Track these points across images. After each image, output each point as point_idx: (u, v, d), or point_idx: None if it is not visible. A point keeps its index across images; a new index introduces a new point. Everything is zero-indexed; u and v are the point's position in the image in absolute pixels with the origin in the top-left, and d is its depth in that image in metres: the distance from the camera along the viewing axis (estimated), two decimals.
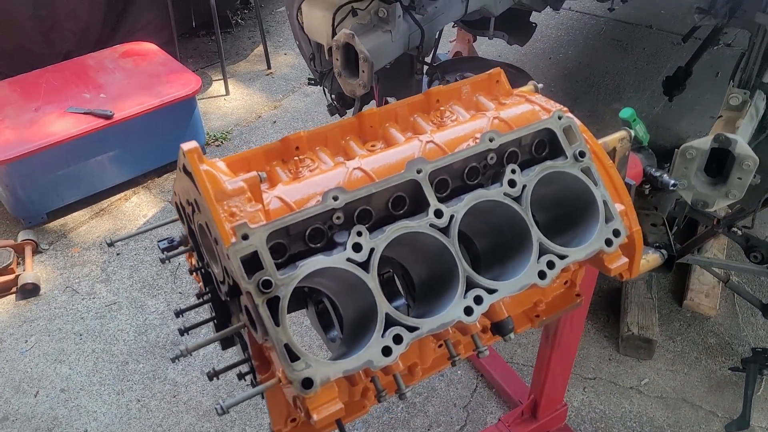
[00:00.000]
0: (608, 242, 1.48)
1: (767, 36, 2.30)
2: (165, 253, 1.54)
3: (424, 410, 2.83)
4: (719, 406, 2.82)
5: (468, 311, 1.34)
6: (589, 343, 3.07)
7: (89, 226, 3.94)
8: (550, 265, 1.42)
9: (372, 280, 1.29)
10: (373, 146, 1.58)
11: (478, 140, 1.52)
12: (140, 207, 4.06)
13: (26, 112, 3.93)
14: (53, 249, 3.80)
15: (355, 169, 1.44)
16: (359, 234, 1.30)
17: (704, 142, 2.16)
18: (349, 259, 1.28)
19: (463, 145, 1.53)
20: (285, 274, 1.23)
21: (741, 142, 2.11)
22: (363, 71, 2.85)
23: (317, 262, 1.26)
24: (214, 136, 4.60)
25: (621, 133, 1.66)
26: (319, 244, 1.33)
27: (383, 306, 1.28)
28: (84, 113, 3.88)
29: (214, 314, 1.59)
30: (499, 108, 1.66)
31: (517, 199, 1.44)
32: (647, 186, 1.97)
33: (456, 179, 1.46)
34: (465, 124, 1.60)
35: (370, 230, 1.31)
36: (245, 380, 1.49)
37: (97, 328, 3.29)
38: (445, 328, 1.33)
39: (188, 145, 1.25)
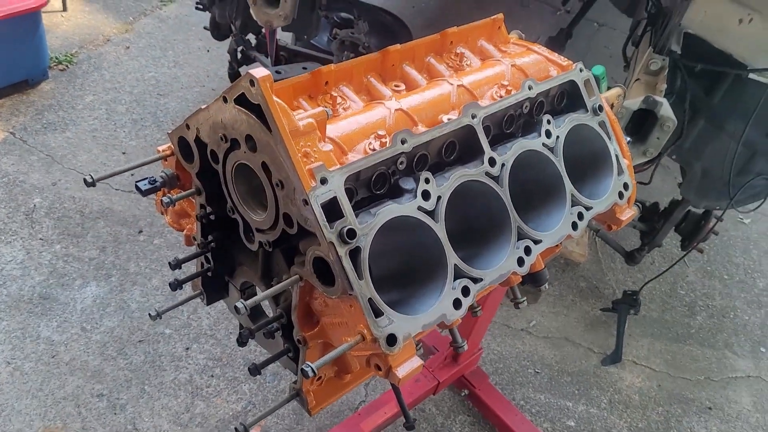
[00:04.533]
0: (620, 195, 1.54)
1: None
2: (165, 197, 1.30)
3: None
4: (595, 342, 3.13)
5: (520, 262, 1.33)
6: None
7: None
8: (580, 216, 1.45)
9: (441, 230, 1.22)
10: (396, 86, 1.47)
11: (502, 87, 1.49)
12: None
13: None
14: None
15: (397, 110, 1.34)
16: (427, 181, 1.22)
17: (634, 103, 2.32)
18: (419, 208, 1.20)
19: (489, 91, 1.49)
20: (362, 223, 1.12)
21: (666, 104, 2.30)
22: (285, 0, 2.63)
23: (392, 210, 1.16)
24: (57, 58, 3.99)
25: (617, 90, 1.73)
26: (382, 190, 1.22)
27: (452, 257, 1.22)
28: None
29: (210, 265, 1.42)
30: (509, 56, 1.63)
31: (551, 150, 1.45)
32: None
33: (496, 127, 1.42)
34: (485, 69, 1.54)
35: None
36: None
37: None
38: (503, 279, 1.31)
39: (260, 72, 1.06)
